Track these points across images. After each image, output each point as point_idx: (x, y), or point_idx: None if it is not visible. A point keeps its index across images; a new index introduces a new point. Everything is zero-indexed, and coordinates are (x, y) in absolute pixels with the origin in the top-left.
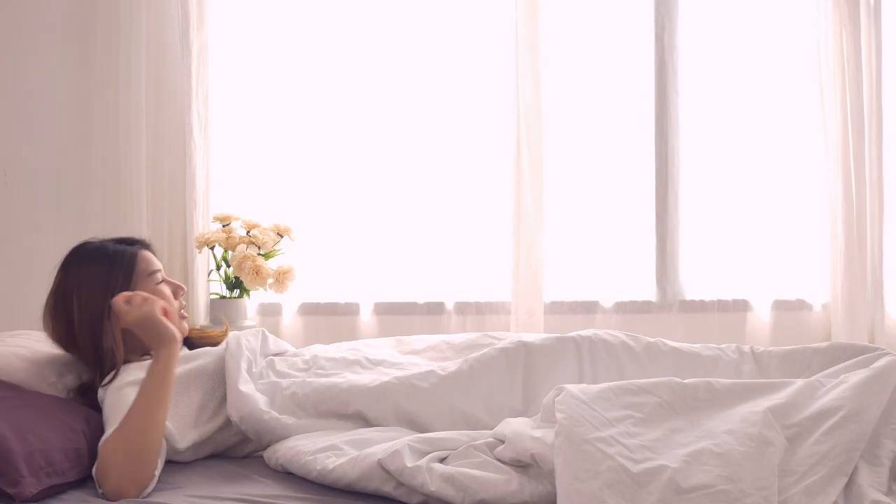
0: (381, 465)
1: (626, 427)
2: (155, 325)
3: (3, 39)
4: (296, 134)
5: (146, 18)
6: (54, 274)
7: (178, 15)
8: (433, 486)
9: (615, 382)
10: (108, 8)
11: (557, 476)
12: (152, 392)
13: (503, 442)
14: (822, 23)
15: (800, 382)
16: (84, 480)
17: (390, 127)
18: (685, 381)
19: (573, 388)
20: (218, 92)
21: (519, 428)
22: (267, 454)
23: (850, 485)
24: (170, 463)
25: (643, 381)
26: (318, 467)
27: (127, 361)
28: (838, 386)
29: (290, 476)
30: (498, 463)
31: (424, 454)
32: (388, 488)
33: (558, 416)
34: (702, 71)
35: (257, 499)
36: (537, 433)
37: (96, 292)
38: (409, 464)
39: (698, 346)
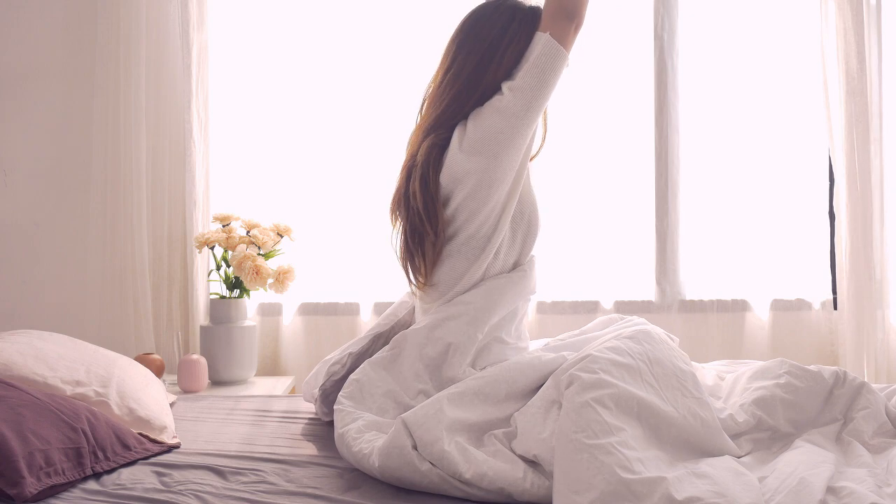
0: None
1: (624, 438)
2: None
3: (4, 39)
4: (296, 134)
5: (146, 18)
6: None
7: (178, 15)
8: (447, 447)
9: (633, 392)
10: (108, 8)
11: (554, 485)
12: None
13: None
14: (826, 20)
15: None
16: (84, 480)
17: (390, 126)
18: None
19: (588, 377)
20: (218, 92)
21: (528, 424)
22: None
23: (838, 490)
24: None
25: (656, 403)
26: None
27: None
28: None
29: None
30: (511, 454)
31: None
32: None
33: (563, 414)
34: (702, 71)
35: None
36: (545, 432)
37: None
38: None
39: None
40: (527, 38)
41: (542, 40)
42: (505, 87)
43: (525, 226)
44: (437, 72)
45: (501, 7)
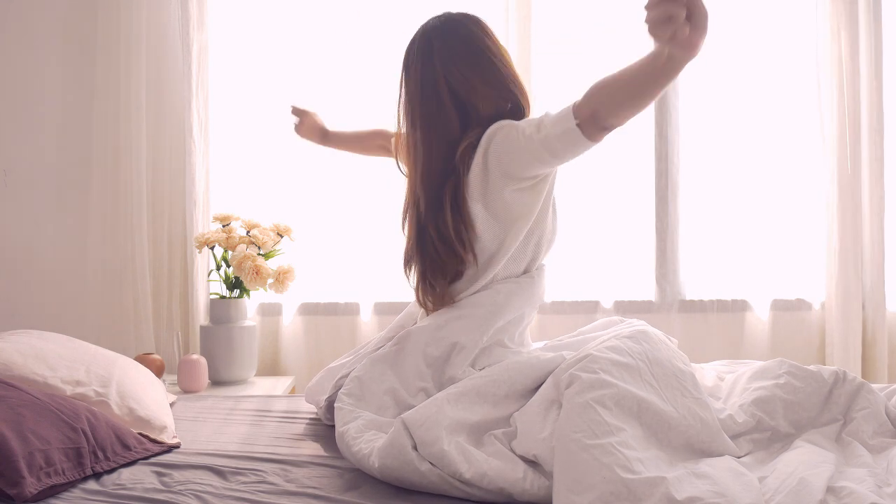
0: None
1: (624, 438)
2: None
3: (4, 39)
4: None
5: (146, 18)
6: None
7: (178, 15)
8: (447, 447)
9: (633, 392)
10: (108, 8)
11: (554, 485)
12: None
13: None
14: (820, 22)
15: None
16: (84, 480)
17: (390, 126)
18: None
19: (588, 377)
20: (218, 92)
21: (528, 424)
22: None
23: (838, 490)
24: None
25: (657, 403)
26: None
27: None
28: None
29: None
30: (511, 454)
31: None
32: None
33: (562, 414)
34: (701, 71)
35: None
36: (545, 432)
37: (463, 56)
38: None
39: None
40: (449, 38)
41: (573, 133)
42: (540, 148)
43: (539, 232)
44: (400, 117)
45: (414, 36)
